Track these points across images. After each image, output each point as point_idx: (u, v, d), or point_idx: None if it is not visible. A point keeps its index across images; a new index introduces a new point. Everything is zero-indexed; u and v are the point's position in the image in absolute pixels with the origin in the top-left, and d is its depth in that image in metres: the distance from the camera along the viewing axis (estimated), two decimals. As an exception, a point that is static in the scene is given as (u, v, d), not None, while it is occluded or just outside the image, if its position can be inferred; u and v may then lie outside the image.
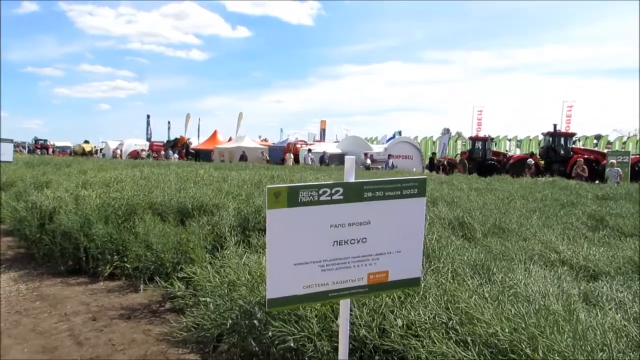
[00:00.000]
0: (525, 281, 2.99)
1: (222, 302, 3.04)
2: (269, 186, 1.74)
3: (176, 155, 32.59)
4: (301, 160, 27.21)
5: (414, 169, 25.58)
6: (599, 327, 2.21)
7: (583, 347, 1.99)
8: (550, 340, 2.04)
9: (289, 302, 1.88)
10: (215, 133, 40.39)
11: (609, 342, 2.07)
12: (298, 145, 32.14)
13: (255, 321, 2.77)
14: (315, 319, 2.62)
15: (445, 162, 25.30)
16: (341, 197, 1.86)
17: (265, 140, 44.33)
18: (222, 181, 8.63)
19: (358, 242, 1.93)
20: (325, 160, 25.69)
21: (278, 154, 30.17)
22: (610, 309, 2.63)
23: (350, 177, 1.92)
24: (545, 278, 3.19)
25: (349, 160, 1.95)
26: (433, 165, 25.92)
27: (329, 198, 1.84)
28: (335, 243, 1.89)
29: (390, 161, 25.73)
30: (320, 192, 1.82)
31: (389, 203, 1.95)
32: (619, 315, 2.48)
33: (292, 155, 27.98)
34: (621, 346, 2.08)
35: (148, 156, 32.39)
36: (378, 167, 25.43)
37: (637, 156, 22.97)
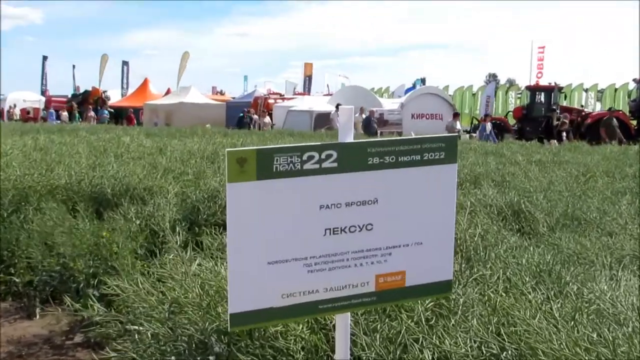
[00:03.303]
0: (611, 294, 3.03)
1: (162, 330, 3.04)
2: (229, 150, 1.74)
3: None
4: (281, 121, 26.85)
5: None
6: None
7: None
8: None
9: (261, 318, 1.91)
10: (145, 83, 40.70)
11: None
12: (270, 101, 32.03)
13: (211, 358, 2.79)
14: (302, 353, 2.63)
15: (567, 123, 22.13)
16: (335, 164, 1.87)
17: (221, 93, 44.19)
18: (158, 153, 8.69)
19: (361, 229, 1.95)
20: (373, 125, 24.48)
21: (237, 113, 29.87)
22: None
23: (348, 136, 1.93)
24: (641, 289, 3.23)
25: (345, 111, 1.97)
26: (550, 128, 23.28)
27: (318, 166, 1.86)
28: (328, 232, 1.91)
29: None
30: (305, 157, 1.84)
31: (405, 173, 1.97)
32: None
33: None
34: None
35: (75, 117, 32.09)
36: (393, 132, 25.40)
37: None
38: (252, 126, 26.93)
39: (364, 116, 24.75)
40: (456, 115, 25.11)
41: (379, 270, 2.02)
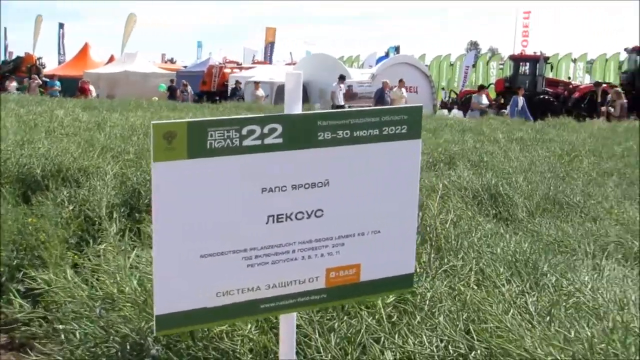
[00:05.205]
0: (593, 285, 3.07)
1: (93, 329, 3.01)
2: (155, 122, 1.69)
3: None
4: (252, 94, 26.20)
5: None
6: None
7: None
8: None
9: (192, 321, 1.88)
10: (85, 49, 40.05)
11: None
12: (226, 70, 31.87)
13: (148, 360, 2.77)
14: (250, 355, 2.62)
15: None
16: (280, 140, 1.83)
17: (172, 61, 43.69)
18: (96, 129, 8.67)
19: (309, 216, 1.92)
20: (387, 100, 22.29)
21: (194, 84, 29.83)
22: None
23: (295, 107, 1.89)
24: (626, 280, 3.28)
25: (293, 77, 1.92)
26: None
27: (259, 142, 1.81)
28: (271, 219, 1.88)
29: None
30: (245, 131, 1.78)
31: (361, 150, 1.94)
32: None
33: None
34: None
35: (21, 89, 30.66)
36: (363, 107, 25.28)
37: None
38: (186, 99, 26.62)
39: (341, 87, 24.01)
40: (482, 89, 23.91)
41: (329, 264, 1.99)
